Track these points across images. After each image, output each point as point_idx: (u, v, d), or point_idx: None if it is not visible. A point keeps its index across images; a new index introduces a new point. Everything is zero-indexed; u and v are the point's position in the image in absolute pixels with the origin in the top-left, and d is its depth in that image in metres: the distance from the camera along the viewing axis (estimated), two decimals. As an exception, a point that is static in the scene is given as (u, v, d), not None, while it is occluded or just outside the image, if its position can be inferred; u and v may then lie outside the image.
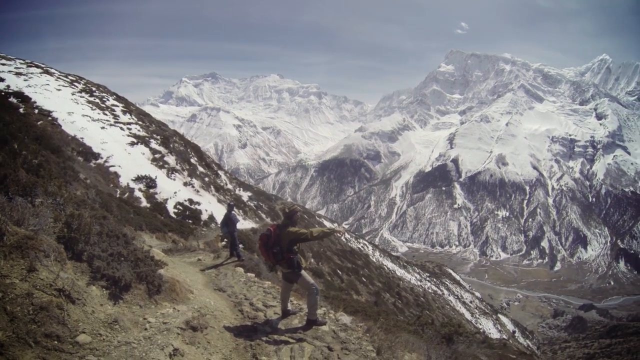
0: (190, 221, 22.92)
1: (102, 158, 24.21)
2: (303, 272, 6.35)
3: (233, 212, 12.65)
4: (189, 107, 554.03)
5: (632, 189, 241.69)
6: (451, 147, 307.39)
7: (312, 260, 27.86)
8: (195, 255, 12.10)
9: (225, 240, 14.95)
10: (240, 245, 13.84)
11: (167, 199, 23.93)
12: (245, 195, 40.22)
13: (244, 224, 26.88)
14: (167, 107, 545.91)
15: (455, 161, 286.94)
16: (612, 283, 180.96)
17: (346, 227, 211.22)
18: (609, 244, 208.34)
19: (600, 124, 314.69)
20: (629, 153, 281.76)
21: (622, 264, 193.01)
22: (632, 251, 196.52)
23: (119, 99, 40.09)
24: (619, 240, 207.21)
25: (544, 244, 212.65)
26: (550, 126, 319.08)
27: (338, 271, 30.61)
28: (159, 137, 33.06)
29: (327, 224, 57.07)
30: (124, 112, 35.45)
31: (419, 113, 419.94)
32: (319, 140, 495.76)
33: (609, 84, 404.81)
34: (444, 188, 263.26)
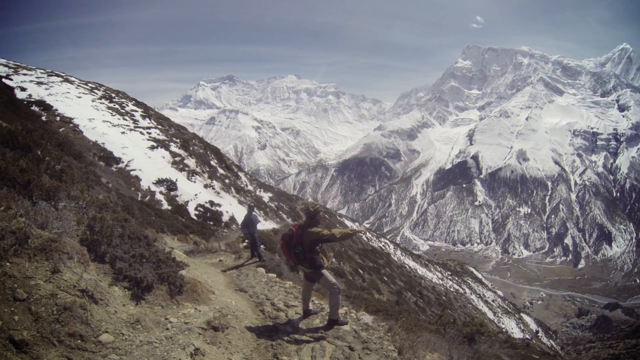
0: (211, 223, 23.55)
1: (123, 162, 24.86)
2: (325, 271, 6.55)
3: (254, 213, 12.96)
4: (207, 110, 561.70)
5: None
6: (471, 144, 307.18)
7: (334, 259, 28.64)
8: (216, 256, 12.41)
9: (246, 241, 15.31)
10: (262, 246, 14.34)
11: (188, 201, 24.53)
12: (265, 196, 40.83)
13: (264, 224, 27.69)
14: (186, 111, 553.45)
15: (475, 158, 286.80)
16: (638, 281, 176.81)
17: (367, 226, 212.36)
18: (634, 240, 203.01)
19: (623, 116, 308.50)
20: None
21: None
22: None
23: (138, 104, 41.30)
24: None
25: (567, 240, 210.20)
26: (571, 119, 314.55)
27: (359, 270, 31.01)
28: (178, 140, 33.88)
29: (349, 223, 58.96)
30: (144, 117, 36.48)
31: (437, 110, 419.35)
32: (338, 139, 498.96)
33: (631, 74, 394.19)
34: (464, 185, 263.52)
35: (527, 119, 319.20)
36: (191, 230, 18.60)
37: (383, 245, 58.48)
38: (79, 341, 3.83)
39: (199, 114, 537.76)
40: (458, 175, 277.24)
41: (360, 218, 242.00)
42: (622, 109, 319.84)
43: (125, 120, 33.65)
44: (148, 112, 39.80)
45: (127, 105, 38.85)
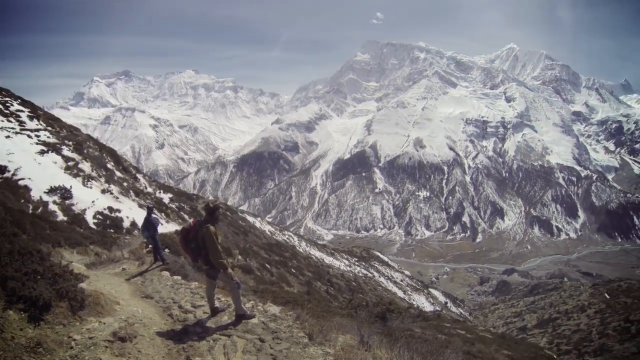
0: (112, 230, 22.51)
1: (9, 171, 22.66)
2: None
3: (153, 215, 12.84)
4: (102, 108, 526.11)
5: (540, 162, 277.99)
6: (369, 134, 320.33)
7: (240, 257, 28.74)
8: (119, 265, 12.18)
9: (150, 246, 14.69)
10: (166, 250, 14.28)
11: (85, 210, 23.08)
12: (166, 198, 39.63)
13: (167, 227, 27.00)
14: (79, 110, 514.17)
15: (373, 147, 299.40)
16: (529, 247, 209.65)
17: (269, 220, 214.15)
18: (523, 213, 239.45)
19: (510, 106, 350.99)
20: (535, 131, 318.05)
21: (536, 229, 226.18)
22: (544, 217, 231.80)
23: (25, 103, 37.25)
24: (531, 209, 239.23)
25: (465, 219, 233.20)
26: (464, 109, 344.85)
27: (267, 265, 31.28)
28: (71, 143, 31.59)
29: (251, 219, 57.68)
30: (31, 118, 33.25)
31: (335, 102, 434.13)
32: (236, 135, 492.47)
33: (517, 70, 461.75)
34: (364, 174, 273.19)
35: (423, 109, 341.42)
36: (91, 241, 17.83)
37: (287, 238, 59.54)
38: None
39: (93, 113, 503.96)
40: (357, 165, 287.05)
41: (262, 213, 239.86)
42: (508, 100, 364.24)
43: (10, 122, 30.56)
44: (36, 112, 36.34)
45: (12, 104, 34.93)
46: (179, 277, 10.30)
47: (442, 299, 74.37)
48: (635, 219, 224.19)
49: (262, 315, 7.30)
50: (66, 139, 32.50)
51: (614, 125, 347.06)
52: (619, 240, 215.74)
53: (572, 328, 46.84)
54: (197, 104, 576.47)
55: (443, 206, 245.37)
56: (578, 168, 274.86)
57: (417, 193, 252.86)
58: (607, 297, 55.58)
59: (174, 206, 37.51)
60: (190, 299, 8.15)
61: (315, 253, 56.79)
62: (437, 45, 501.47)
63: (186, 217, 35.85)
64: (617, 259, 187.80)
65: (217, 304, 7.39)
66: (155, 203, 32.42)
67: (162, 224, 18.32)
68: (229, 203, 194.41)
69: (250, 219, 58.41)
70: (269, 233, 53.04)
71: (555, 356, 31.66)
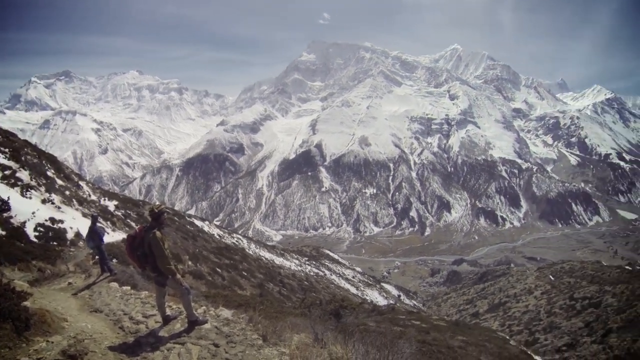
0: (55, 243, 20.51)
1: None
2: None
3: (98, 223, 12.41)
4: (40, 111, 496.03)
5: (483, 157, 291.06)
6: (314, 133, 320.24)
7: (190, 262, 27.95)
8: (65, 279, 11.64)
9: (96, 256, 14.25)
10: (114, 260, 13.69)
11: (25, 222, 20.91)
12: (111, 205, 37.09)
13: (113, 235, 25.36)
14: (15, 114, 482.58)
15: (318, 146, 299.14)
16: (477, 237, 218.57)
17: (217, 223, 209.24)
18: (469, 205, 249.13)
19: (453, 104, 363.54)
20: (478, 127, 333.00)
21: (482, 220, 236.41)
22: (489, 209, 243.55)
23: None
24: (477, 201, 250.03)
25: (412, 213, 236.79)
26: (409, 107, 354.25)
27: (218, 269, 30.74)
28: (7, 150, 29.16)
29: (199, 223, 55.94)
30: None
31: (280, 102, 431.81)
32: (181, 137, 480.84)
33: (460, 69, 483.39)
34: (309, 173, 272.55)
35: (368, 107, 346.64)
36: (33, 256, 15.73)
37: (236, 241, 58.07)
38: None
39: (31, 117, 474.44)
40: (303, 164, 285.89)
41: (210, 216, 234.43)
42: (452, 98, 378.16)
43: (-62, 129, 27.68)
44: (-33, 116, 32.18)
45: None
46: (128, 288, 10.03)
47: (395, 292, 75.22)
48: (574, 206, 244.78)
49: (214, 320, 7.18)
50: (2, 145, 30.39)
51: (551, 121, 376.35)
52: (560, 226, 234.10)
53: (521, 310, 50.58)
54: (142, 106, 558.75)
55: (390, 202, 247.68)
56: (519, 161, 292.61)
57: (363, 190, 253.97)
58: (552, 278, 62.05)
59: (119, 214, 35.62)
60: (141, 309, 7.91)
61: (265, 254, 56.38)
62: (382, 45, 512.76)
63: (133, 224, 34.18)
64: (558, 243, 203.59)
65: (168, 312, 7.19)
66: (100, 211, 30.74)
67: (107, 233, 17.51)
68: (176, 207, 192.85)
69: (199, 223, 56.80)
70: (218, 237, 51.13)
71: (507, 337, 32.66)
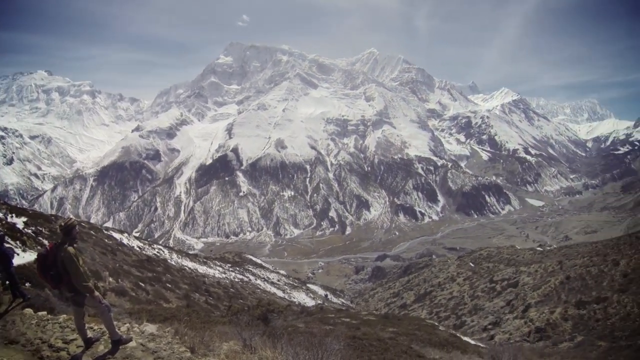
0: None
1: None
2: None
3: (5, 244, 10.54)
4: None
5: (400, 155, 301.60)
6: (230, 137, 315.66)
7: (111, 279, 26.08)
8: None
9: (7, 282, 11.80)
10: (27, 284, 12.62)
11: None
12: (20, 222, 33.03)
13: (24, 256, 21.92)
14: None
15: (235, 150, 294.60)
16: (397, 233, 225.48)
17: (137, 234, 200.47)
18: (387, 203, 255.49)
19: (369, 105, 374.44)
20: (394, 127, 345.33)
21: (401, 216, 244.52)
22: (407, 205, 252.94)
23: None
24: (395, 199, 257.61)
25: (332, 213, 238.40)
26: (325, 109, 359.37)
27: (140, 283, 29.45)
28: None
29: (117, 236, 52.09)
30: None
31: (196, 106, 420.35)
32: (95, 145, 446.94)
33: (376, 72, 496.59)
34: (227, 178, 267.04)
35: (284, 110, 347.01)
36: None
37: (157, 252, 55.36)
38: None
39: None
40: (220, 169, 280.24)
41: (129, 228, 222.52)
42: (368, 99, 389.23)
43: None
44: None
45: None
46: (45, 313, 8.86)
47: (321, 292, 76.46)
48: (487, 198, 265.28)
49: (139, 337, 6.97)
50: None
51: (463, 120, 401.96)
52: (475, 216, 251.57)
53: (446, 296, 53.68)
54: (51, 110, 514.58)
55: (309, 204, 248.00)
56: (434, 158, 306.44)
57: (281, 193, 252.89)
58: (472, 265, 67.06)
59: (30, 231, 31.46)
60: (60, 334, 7.21)
61: (188, 264, 54.86)
62: (300, 48, 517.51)
63: (45, 242, 30.17)
64: (475, 232, 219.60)
65: (90, 334, 6.75)
66: (7, 230, 26.32)
67: (17, 254, 15.53)
68: (92, 221, 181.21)
69: (117, 235, 52.10)
70: (138, 249, 48.42)
71: (436, 323, 33.22)
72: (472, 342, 26.18)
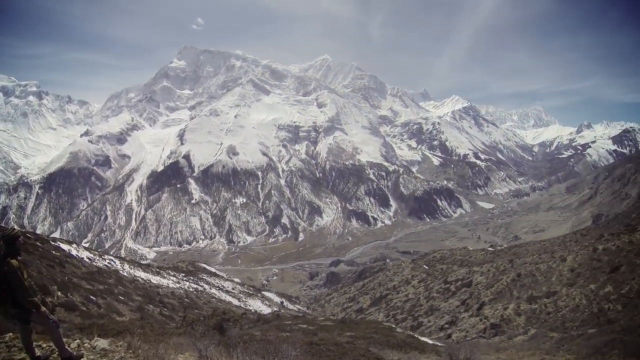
0: None
1: None
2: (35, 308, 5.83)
3: None
4: None
5: (351, 162, 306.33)
6: (182, 143, 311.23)
7: (60, 293, 24.38)
8: None
9: None
10: None
11: None
12: None
13: None
14: None
15: (187, 157, 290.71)
16: (350, 239, 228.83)
17: (86, 245, 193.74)
18: (339, 208, 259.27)
19: (321, 112, 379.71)
20: (346, 134, 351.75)
21: (354, 222, 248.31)
22: (359, 210, 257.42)
23: None
24: (347, 204, 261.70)
25: (284, 220, 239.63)
26: (277, 115, 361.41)
27: (91, 297, 27.83)
28: None
29: (65, 247, 49.92)
30: None
31: (148, 111, 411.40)
32: (41, 149, 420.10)
33: (329, 79, 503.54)
34: (178, 185, 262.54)
35: (236, 116, 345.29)
36: None
37: (109, 263, 52.43)
38: None
39: None
40: (171, 176, 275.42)
41: (77, 238, 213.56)
42: (320, 106, 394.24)
43: None
44: None
45: None
46: None
47: (277, 299, 76.23)
48: (439, 201, 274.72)
49: (90, 353, 6.76)
50: None
51: (415, 127, 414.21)
52: (428, 220, 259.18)
53: (402, 299, 54.48)
54: None
55: (261, 210, 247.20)
56: (386, 164, 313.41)
57: (233, 200, 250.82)
58: (426, 267, 67.92)
59: None
60: (7, 354, 6.92)
61: (141, 274, 52.47)
62: (254, 53, 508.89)
63: None
64: (428, 235, 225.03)
65: (38, 352, 6.43)
66: None
67: None
68: (38, 231, 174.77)
69: (65, 247, 50.17)
70: (88, 260, 45.31)
71: (394, 326, 33.82)
72: (430, 341, 26.90)
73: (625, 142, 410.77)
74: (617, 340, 18.06)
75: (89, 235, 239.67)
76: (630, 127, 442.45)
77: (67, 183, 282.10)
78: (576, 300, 27.69)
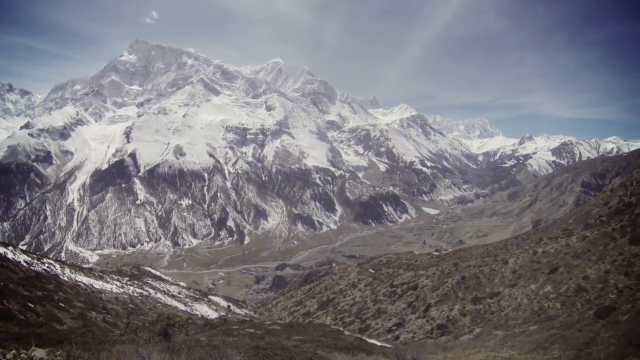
0: None
1: None
2: None
3: None
4: None
5: (297, 165, 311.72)
6: (128, 141, 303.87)
7: None
8: None
9: None
10: None
11: None
12: None
13: None
14: None
15: (133, 155, 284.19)
16: (296, 242, 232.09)
17: (24, 247, 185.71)
18: (285, 212, 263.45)
19: (270, 115, 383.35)
20: (293, 137, 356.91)
21: (299, 225, 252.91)
22: (305, 214, 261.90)
23: None
24: (293, 208, 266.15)
25: (230, 223, 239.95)
26: (225, 117, 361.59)
27: (29, 304, 27.42)
28: None
29: (1, 249, 50.52)
30: None
31: (94, 105, 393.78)
32: None
33: (279, 82, 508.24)
34: (123, 185, 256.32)
35: (184, 116, 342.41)
36: None
37: (48, 267, 50.15)
38: None
39: None
40: (116, 175, 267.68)
41: (14, 240, 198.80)
42: (269, 109, 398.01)
43: None
44: None
45: None
46: None
47: (224, 303, 75.62)
48: (384, 207, 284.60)
49: None
50: None
51: (362, 133, 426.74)
52: (373, 225, 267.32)
53: (349, 302, 55.33)
54: None
55: (207, 213, 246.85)
56: (332, 169, 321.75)
57: (179, 202, 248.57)
58: (372, 271, 69.78)
59: None
60: None
61: (83, 279, 50.50)
62: (207, 52, 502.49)
63: None
64: (374, 240, 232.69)
65: None
66: None
67: None
68: None
69: (1, 249, 49.97)
70: (25, 264, 41.73)
71: (341, 329, 35.63)
72: (378, 343, 27.87)
73: (564, 153, 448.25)
74: (557, 335, 19.46)
75: (27, 237, 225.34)
76: (569, 140, 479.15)
77: (3, 179, 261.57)
78: (518, 300, 29.43)
